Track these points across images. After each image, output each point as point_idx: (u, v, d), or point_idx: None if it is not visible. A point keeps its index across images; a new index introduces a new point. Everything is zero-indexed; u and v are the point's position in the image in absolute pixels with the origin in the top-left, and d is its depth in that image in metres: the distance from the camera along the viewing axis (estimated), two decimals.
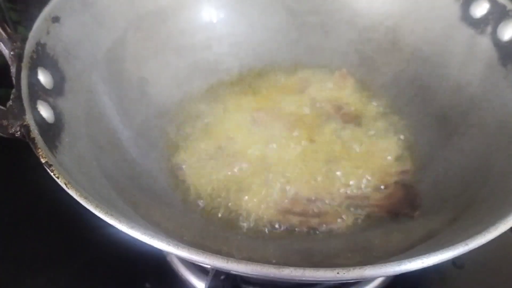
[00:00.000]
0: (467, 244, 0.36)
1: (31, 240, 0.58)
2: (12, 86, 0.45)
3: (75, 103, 0.52)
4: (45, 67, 0.49)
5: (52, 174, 0.39)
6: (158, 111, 0.63)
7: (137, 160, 0.55)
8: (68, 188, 0.38)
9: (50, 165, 0.39)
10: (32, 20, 0.52)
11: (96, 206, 0.36)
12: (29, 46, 0.48)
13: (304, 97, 0.67)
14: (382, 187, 0.57)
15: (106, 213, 0.36)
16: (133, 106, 0.60)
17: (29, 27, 0.52)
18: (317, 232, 0.53)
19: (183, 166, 0.58)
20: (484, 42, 0.59)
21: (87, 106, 0.53)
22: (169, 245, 0.34)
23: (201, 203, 0.55)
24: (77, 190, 0.37)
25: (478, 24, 0.60)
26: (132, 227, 0.35)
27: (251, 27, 0.71)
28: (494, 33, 0.58)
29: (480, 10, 0.60)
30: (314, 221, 0.53)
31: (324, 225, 0.53)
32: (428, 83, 0.64)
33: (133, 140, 0.57)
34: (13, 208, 0.62)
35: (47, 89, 0.48)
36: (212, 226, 0.54)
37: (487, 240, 0.36)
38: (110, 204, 0.43)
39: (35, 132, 0.42)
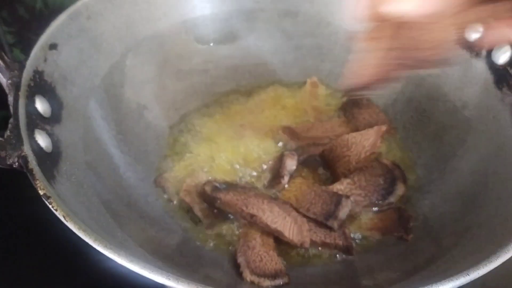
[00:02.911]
0: (468, 275, 0.36)
1: (29, 271, 0.57)
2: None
3: (73, 130, 0.52)
4: (43, 94, 0.49)
5: (50, 206, 0.39)
6: (155, 135, 0.63)
7: (134, 186, 0.55)
8: (67, 221, 0.38)
9: (48, 197, 0.39)
10: (28, 42, 0.52)
11: (95, 240, 0.36)
12: (26, 74, 0.48)
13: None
14: (375, 209, 0.57)
15: (105, 246, 0.36)
16: (131, 130, 0.60)
17: (25, 50, 0.51)
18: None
19: (181, 191, 0.57)
20: (479, 65, 0.59)
21: (85, 132, 0.53)
22: (169, 279, 0.34)
23: (202, 228, 0.55)
24: (75, 223, 0.37)
25: (472, 47, 0.60)
26: (131, 261, 0.35)
27: (247, 50, 0.72)
28: (489, 56, 0.58)
29: (474, 33, 0.60)
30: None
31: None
32: (424, 105, 0.64)
33: (131, 166, 0.57)
34: (11, 239, 0.61)
35: (45, 117, 0.48)
36: (213, 252, 0.53)
37: (489, 270, 0.37)
38: (108, 234, 0.43)
39: (33, 163, 0.42)
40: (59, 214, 0.38)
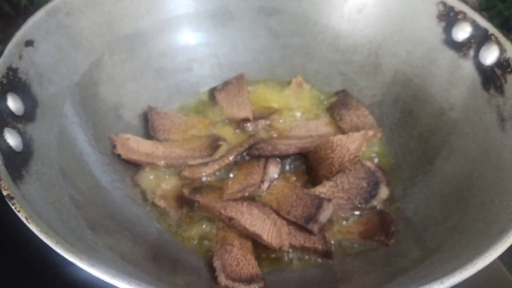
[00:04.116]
0: (442, 283, 0.34)
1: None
2: None
3: (47, 129, 0.50)
4: (16, 92, 0.48)
5: (13, 207, 0.37)
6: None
7: (110, 187, 0.54)
8: (29, 223, 0.36)
9: (11, 198, 0.38)
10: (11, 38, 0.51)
11: (57, 243, 0.35)
12: None
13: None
14: (357, 213, 0.55)
15: (67, 250, 0.35)
16: (109, 130, 0.59)
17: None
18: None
19: (158, 193, 0.56)
20: (467, 66, 0.58)
21: (60, 131, 0.52)
22: (130, 285, 0.33)
23: (178, 231, 0.54)
24: (37, 225, 0.36)
25: (460, 48, 0.59)
26: (92, 266, 0.34)
27: (233, 48, 0.70)
28: (476, 57, 0.57)
29: (462, 33, 0.59)
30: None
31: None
32: (410, 106, 0.63)
33: (108, 166, 0.56)
34: None
35: (17, 116, 0.47)
36: (189, 255, 0.52)
37: (464, 278, 0.35)
38: (76, 237, 0.42)
39: None
40: (21, 216, 0.37)
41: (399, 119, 0.64)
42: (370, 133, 0.59)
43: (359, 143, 0.58)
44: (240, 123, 0.64)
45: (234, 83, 0.68)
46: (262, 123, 0.64)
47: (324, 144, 0.59)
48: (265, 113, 0.66)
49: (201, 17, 0.69)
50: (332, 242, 0.53)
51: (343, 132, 0.63)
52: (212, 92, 0.68)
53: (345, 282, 0.48)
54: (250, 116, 0.65)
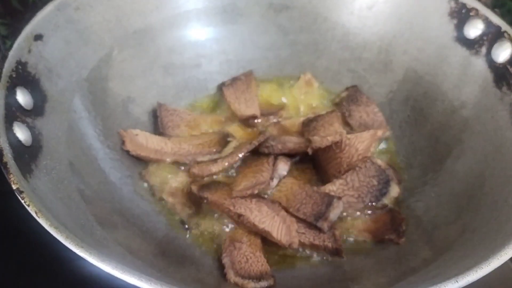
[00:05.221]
0: (457, 281, 0.34)
1: (5, 273, 0.55)
2: None
3: (56, 124, 0.50)
4: (25, 86, 0.48)
5: (23, 201, 0.37)
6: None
7: (119, 182, 0.53)
8: (39, 217, 0.36)
9: (21, 192, 0.38)
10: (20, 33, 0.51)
11: (66, 237, 0.35)
12: (8, 65, 0.47)
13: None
14: (367, 211, 0.55)
15: (77, 245, 0.34)
16: (117, 126, 0.58)
17: None
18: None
19: (166, 189, 0.56)
20: (479, 64, 0.57)
21: (69, 126, 0.52)
22: (141, 280, 0.32)
23: (186, 227, 0.53)
24: (47, 219, 0.36)
25: (472, 45, 0.58)
26: (102, 261, 0.33)
27: (241, 45, 0.70)
28: (488, 54, 0.57)
29: (474, 30, 0.58)
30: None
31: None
32: (421, 104, 0.62)
33: (116, 162, 0.55)
34: None
35: (26, 110, 0.47)
36: (198, 251, 0.52)
37: (479, 277, 0.35)
38: (86, 232, 0.42)
39: (8, 156, 0.40)
40: (31, 210, 0.37)
41: (410, 117, 0.63)
42: (379, 133, 0.58)
43: (367, 144, 0.57)
44: (247, 120, 0.64)
45: (242, 80, 0.68)
46: (270, 120, 0.64)
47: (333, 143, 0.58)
48: (273, 110, 0.65)
49: (210, 13, 0.68)
50: (342, 240, 0.52)
51: (351, 128, 0.63)
52: (220, 88, 0.68)
53: (355, 281, 0.48)
54: (258, 113, 0.64)
